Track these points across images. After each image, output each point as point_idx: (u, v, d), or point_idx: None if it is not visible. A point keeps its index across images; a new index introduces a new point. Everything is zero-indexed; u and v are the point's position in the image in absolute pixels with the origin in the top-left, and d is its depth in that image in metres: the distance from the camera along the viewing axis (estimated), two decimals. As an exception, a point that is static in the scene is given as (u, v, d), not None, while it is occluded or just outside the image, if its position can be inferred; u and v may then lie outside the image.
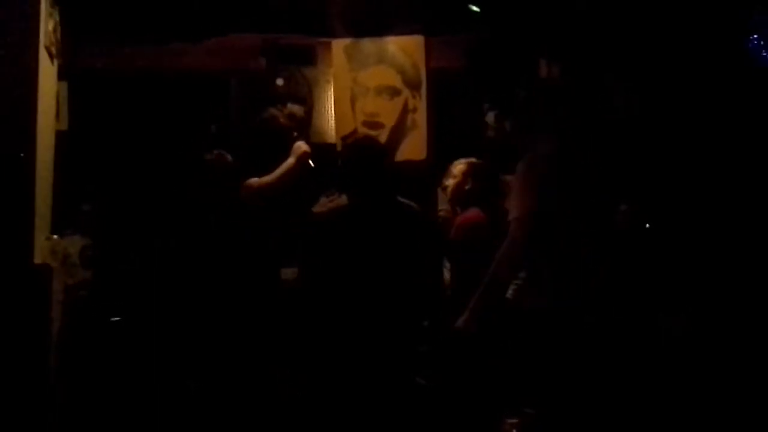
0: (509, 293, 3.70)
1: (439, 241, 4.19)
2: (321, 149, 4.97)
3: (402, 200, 3.90)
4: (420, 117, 5.25)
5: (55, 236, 3.85)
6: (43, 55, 3.75)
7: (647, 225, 4.67)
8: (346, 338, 3.71)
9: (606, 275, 3.79)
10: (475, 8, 4.94)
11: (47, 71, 3.84)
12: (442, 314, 3.96)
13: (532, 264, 3.64)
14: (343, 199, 3.91)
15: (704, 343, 4.12)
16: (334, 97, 5.29)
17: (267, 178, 4.43)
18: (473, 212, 4.30)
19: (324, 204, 4.11)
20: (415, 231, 3.86)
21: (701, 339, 4.13)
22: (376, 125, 5.23)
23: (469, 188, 4.37)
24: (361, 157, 3.91)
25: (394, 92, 5.26)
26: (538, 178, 3.65)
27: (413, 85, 5.26)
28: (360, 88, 5.27)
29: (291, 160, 4.49)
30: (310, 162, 4.56)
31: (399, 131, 5.21)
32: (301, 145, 4.58)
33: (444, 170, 4.57)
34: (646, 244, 4.49)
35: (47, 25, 3.79)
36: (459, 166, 4.45)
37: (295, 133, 4.74)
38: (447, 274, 4.32)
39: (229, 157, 4.37)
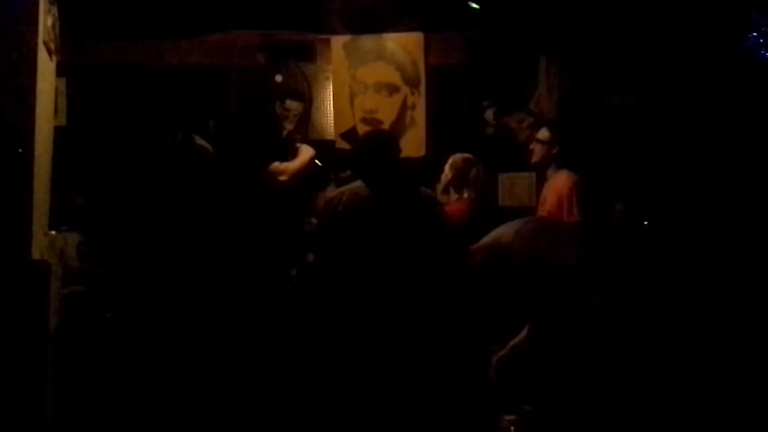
0: None
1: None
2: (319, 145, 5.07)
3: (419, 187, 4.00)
4: (419, 114, 5.25)
5: (53, 232, 3.85)
6: (41, 50, 3.74)
7: (645, 223, 4.66)
8: (360, 326, 3.75)
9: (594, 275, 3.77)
10: (474, 5, 4.94)
11: (46, 67, 3.83)
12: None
13: None
14: (356, 185, 3.96)
15: (697, 344, 4.10)
16: (333, 93, 5.30)
17: (289, 165, 4.86)
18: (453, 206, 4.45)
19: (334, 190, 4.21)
20: (431, 215, 3.96)
21: (693, 339, 4.11)
22: (375, 122, 5.24)
23: (449, 179, 4.57)
24: (377, 146, 4.02)
25: (393, 89, 5.26)
26: None
27: (412, 82, 5.26)
28: (359, 84, 5.27)
29: (303, 158, 4.91)
30: (317, 162, 4.96)
31: (398, 128, 5.21)
32: (309, 150, 4.97)
33: (442, 167, 4.66)
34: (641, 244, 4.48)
35: (46, 20, 3.78)
36: (450, 159, 4.63)
37: (298, 135, 5.06)
38: None
39: (199, 140, 4.37)
